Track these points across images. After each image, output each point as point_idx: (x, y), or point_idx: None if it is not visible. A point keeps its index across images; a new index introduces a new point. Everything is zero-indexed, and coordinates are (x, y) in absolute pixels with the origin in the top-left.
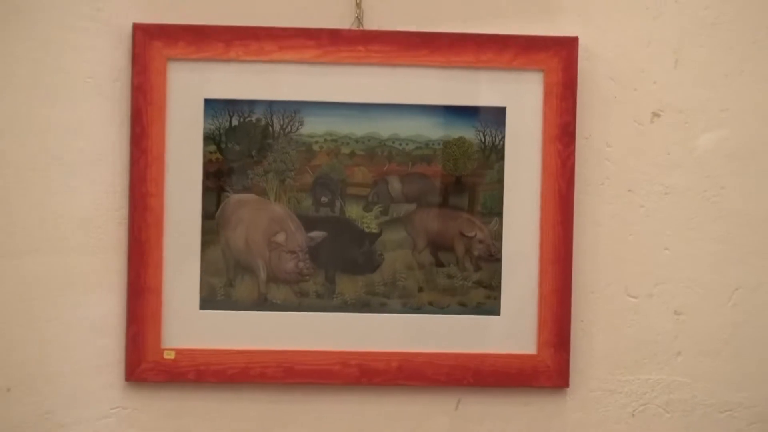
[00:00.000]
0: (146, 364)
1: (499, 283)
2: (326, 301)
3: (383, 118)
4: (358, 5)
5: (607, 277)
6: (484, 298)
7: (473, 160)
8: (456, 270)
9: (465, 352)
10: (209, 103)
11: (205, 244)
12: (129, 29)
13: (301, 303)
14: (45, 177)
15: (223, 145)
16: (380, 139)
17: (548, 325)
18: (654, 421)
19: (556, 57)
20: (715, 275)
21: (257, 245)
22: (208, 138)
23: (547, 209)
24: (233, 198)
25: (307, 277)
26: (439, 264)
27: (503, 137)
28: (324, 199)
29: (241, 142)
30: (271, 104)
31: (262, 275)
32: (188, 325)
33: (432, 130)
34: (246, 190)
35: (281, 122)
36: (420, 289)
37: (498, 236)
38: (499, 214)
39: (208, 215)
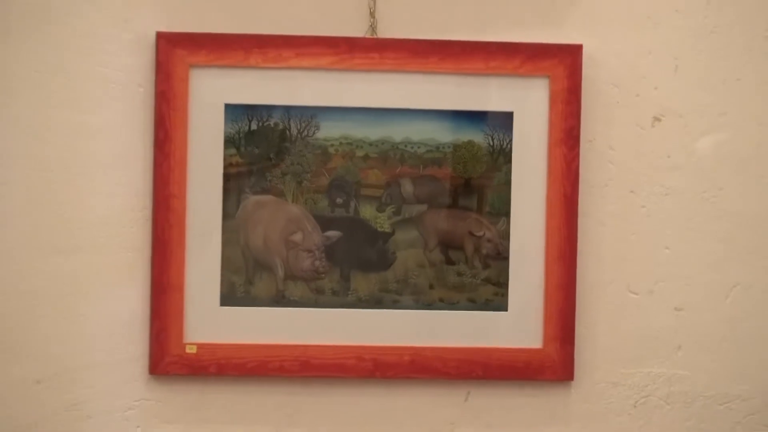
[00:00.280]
0: (169, 358)
1: (507, 280)
2: (341, 298)
3: (396, 123)
4: (372, 14)
5: (609, 275)
6: (492, 295)
7: (482, 163)
8: (465, 268)
9: (474, 347)
10: (229, 108)
11: (225, 244)
12: (153, 38)
13: (317, 299)
14: (73, 179)
15: (242, 149)
16: (393, 142)
17: (553, 320)
18: (655, 412)
19: (562, 64)
20: (713, 273)
21: (275, 244)
22: (229, 141)
23: (553, 210)
24: (252, 199)
25: (323, 275)
26: (449, 262)
27: (511, 141)
28: (339, 200)
29: (259, 146)
30: (288, 109)
31: (280, 273)
32: (209, 321)
33: (442, 134)
34: (264, 191)
35: (298, 126)
36: (431, 286)
37: (505, 235)
38: (507, 214)
39: (228, 216)
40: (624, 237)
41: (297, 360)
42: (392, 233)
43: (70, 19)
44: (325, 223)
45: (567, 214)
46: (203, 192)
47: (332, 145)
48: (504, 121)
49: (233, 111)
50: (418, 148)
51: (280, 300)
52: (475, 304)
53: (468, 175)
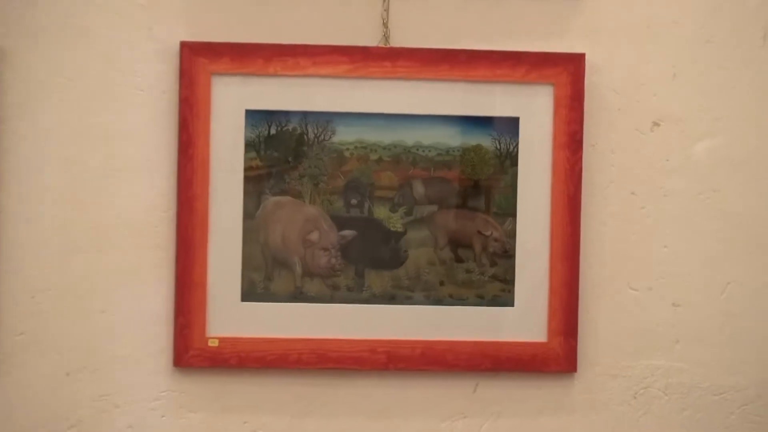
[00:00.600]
0: (193, 352)
1: (513, 277)
2: (356, 294)
3: (408, 128)
4: (385, 25)
5: (611, 272)
6: (500, 291)
7: (489, 166)
8: (474, 265)
9: (482, 340)
10: (250, 114)
11: (246, 242)
12: (177, 47)
13: (333, 295)
14: (101, 181)
15: (262, 152)
16: (405, 146)
17: (558, 315)
18: (654, 402)
19: (565, 72)
20: (709, 270)
21: (293, 243)
22: (249, 145)
23: (557, 210)
24: (271, 200)
25: (339, 272)
26: (459, 260)
27: (517, 145)
28: (354, 201)
29: (278, 149)
30: (306, 115)
31: (298, 270)
32: (231, 316)
33: (452, 139)
34: (283, 192)
35: (315, 131)
36: (441, 283)
37: (512, 235)
38: (513, 214)
39: (248, 216)
40: (625, 236)
41: (314, 353)
42: (404, 232)
43: (99, 31)
44: (340, 223)
45: (570, 215)
46: (225, 193)
47: (347, 149)
48: (510, 126)
49: (253, 116)
50: (429, 151)
51: (297, 296)
52: (483, 300)
53: (476, 178)
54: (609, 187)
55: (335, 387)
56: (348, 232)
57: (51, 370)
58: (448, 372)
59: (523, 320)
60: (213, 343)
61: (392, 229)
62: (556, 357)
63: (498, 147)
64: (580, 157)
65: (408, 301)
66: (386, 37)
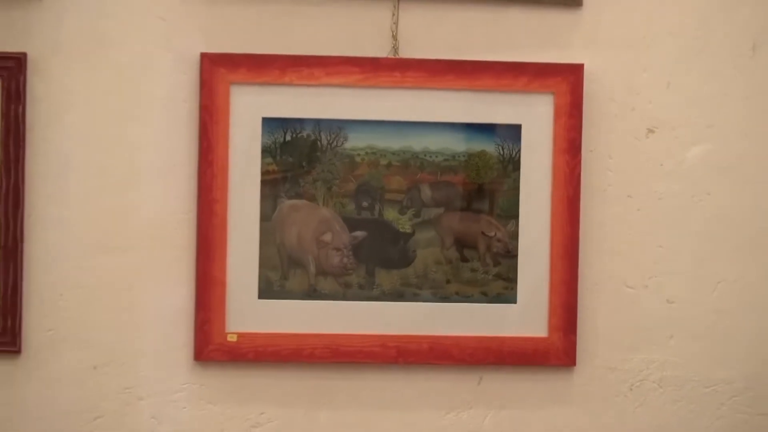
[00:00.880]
0: (212, 346)
1: (516, 275)
2: (367, 292)
3: (416, 134)
4: (395, 37)
5: (608, 271)
6: (503, 289)
7: (493, 170)
8: (478, 265)
9: (486, 336)
10: (266, 121)
11: (262, 243)
12: (197, 58)
13: (346, 293)
14: (126, 185)
15: (278, 158)
16: (413, 152)
17: (558, 312)
18: (649, 394)
19: (565, 81)
20: (701, 269)
21: (308, 243)
22: (265, 151)
23: (557, 212)
24: (287, 203)
25: (351, 271)
26: (464, 259)
27: (519, 150)
28: (365, 204)
29: (293, 155)
30: (319, 122)
31: (312, 269)
32: (248, 312)
33: (458, 145)
34: (298, 196)
35: (328, 137)
36: (447, 281)
37: (514, 235)
38: (515, 216)
39: (265, 218)
40: (621, 237)
41: (327, 347)
42: (412, 233)
43: (123, 43)
44: (352, 225)
45: (570, 216)
46: (243, 196)
47: (359, 155)
48: (513, 132)
49: (270, 124)
50: (436, 157)
51: (312, 294)
52: (487, 297)
53: (480, 181)
54: (606, 191)
55: (347, 380)
56: (359, 233)
57: (78, 364)
58: (454, 365)
59: (525, 316)
60: (232, 338)
61: (401, 230)
62: (556, 351)
63: (501, 152)
64: (579, 162)
65: (416, 298)
66: (395, 48)
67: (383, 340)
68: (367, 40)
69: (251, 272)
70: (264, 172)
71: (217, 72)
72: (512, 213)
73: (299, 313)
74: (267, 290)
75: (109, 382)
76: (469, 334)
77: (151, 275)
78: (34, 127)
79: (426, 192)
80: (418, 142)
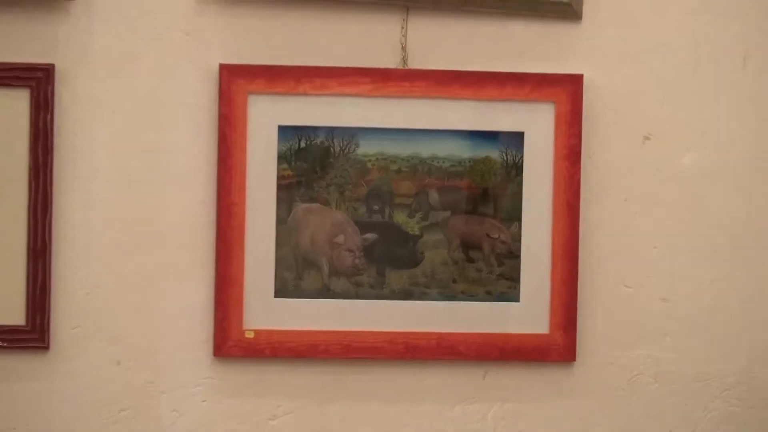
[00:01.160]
0: (231, 342)
1: (518, 275)
2: (378, 291)
3: (424, 141)
4: (404, 49)
5: (606, 271)
6: (506, 288)
7: (497, 176)
8: (483, 265)
9: (490, 332)
10: (282, 129)
11: (278, 245)
12: (216, 69)
13: (357, 292)
14: (149, 189)
15: (293, 163)
16: (421, 158)
17: (558, 310)
18: (645, 388)
19: (565, 91)
20: (694, 269)
21: (321, 245)
22: (281, 157)
23: (558, 215)
24: (301, 206)
25: (362, 271)
26: (470, 260)
27: (522, 157)
28: (375, 208)
29: (307, 161)
30: (332, 130)
31: (325, 269)
32: (265, 311)
33: (463, 151)
34: (312, 200)
35: (341, 144)
36: (454, 281)
37: (517, 237)
38: (518, 219)
39: (281, 221)
40: (619, 239)
41: (340, 344)
42: (421, 236)
43: (147, 55)
44: (363, 227)
45: (570, 219)
46: (260, 200)
47: (369, 161)
48: (516, 139)
49: (285, 131)
50: (443, 162)
51: (325, 293)
52: (491, 296)
53: (485, 186)
54: (605, 195)
55: (359, 374)
56: (370, 235)
57: (103, 359)
58: (460, 361)
59: (528, 314)
60: (249, 335)
61: (410, 232)
62: (557, 347)
63: (505, 159)
64: (579, 168)
65: (424, 297)
66: (404, 59)
67: (393, 337)
68: (377, 51)
69: (268, 272)
70: (280, 177)
71: (236, 82)
72: (515, 216)
73: (313, 311)
74: (282, 289)
75: (133, 376)
76: (474, 331)
77: (172, 275)
78: (62, 135)
79: (433, 196)
80: (425, 149)
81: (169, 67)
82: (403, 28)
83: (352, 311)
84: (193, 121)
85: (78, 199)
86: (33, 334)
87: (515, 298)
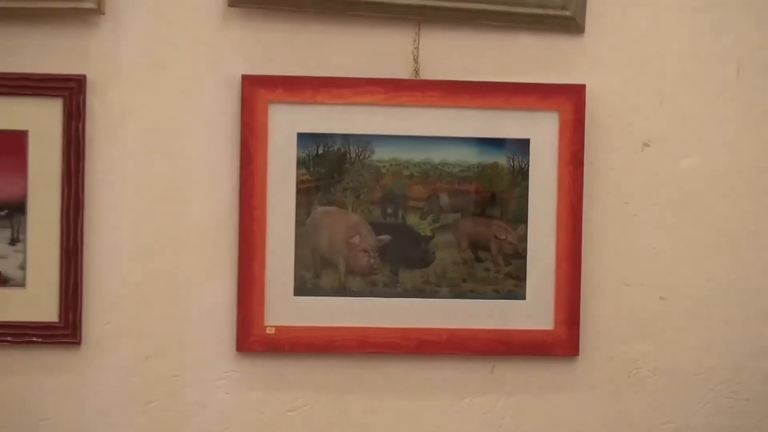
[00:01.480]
0: (252, 338)
1: (524, 274)
2: (391, 289)
3: (435, 148)
4: (416, 60)
5: (608, 270)
6: (513, 287)
7: (504, 180)
8: (491, 265)
9: (498, 329)
10: (301, 136)
11: (297, 245)
12: (239, 79)
13: (372, 290)
14: (175, 193)
15: (311, 169)
16: (433, 163)
17: (562, 307)
18: (644, 381)
19: (569, 101)
20: (692, 268)
21: (338, 246)
22: (300, 163)
23: (562, 217)
24: (319, 209)
25: (377, 271)
26: (478, 260)
27: (528, 162)
28: (389, 210)
29: (325, 166)
30: (348, 137)
31: (342, 269)
32: (285, 308)
33: (473, 157)
34: (329, 203)
35: (356, 150)
36: (464, 280)
37: (523, 238)
38: (525, 221)
39: (300, 223)
40: (620, 239)
41: (355, 339)
42: (432, 237)
43: (173, 65)
44: (378, 229)
45: (573, 222)
46: (280, 204)
47: (384, 166)
48: (522, 146)
49: (304, 138)
50: (453, 168)
51: (342, 291)
52: (499, 294)
53: (493, 190)
54: (606, 198)
55: (373, 368)
56: (384, 237)
57: (132, 354)
58: (470, 356)
59: (533, 311)
60: (270, 331)
61: (422, 234)
62: (561, 343)
63: (511, 164)
64: (582, 173)
65: (435, 295)
66: (416, 71)
67: (406, 333)
68: (391, 63)
69: (287, 272)
70: (299, 182)
71: (257, 92)
72: (521, 218)
73: (330, 309)
74: (301, 288)
75: (160, 370)
76: (482, 327)
77: (197, 275)
78: (93, 142)
79: (444, 200)
80: (437, 155)
81: (194, 77)
82: (415, 40)
83: (367, 308)
84: (216, 129)
85: (108, 203)
86: (66, 330)
87: (521, 296)
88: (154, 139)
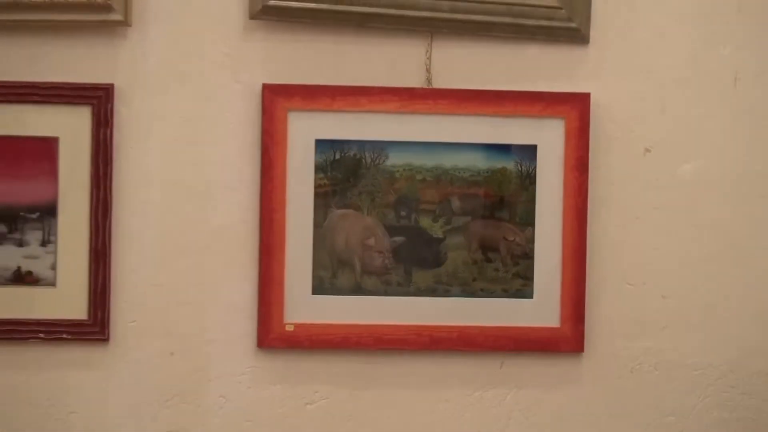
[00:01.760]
0: (273, 335)
1: (532, 274)
2: (405, 288)
3: (447, 154)
4: (428, 70)
5: (612, 270)
6: (521, 286)
7: (513, 184)
8: (500, 265)
9: (507, 326)
10: (319, 143)
11: (315, 247)
12: (259, 88)
13: (387, 289)
14: (199, 198)
15: (328, 173)
16: (444, 168)
17: (568, 305)
18: (646, 376)
19: (574, 108)
20: (691, 268)
21: (354, 247)
22: (318, 168)
23: (568, 220)
24: (336, 212)
25: (391, 271)
26: (488, 260)
27: (535, 167)
28: (403, 213)
29: (342, 171)
30: (363, 143)
31: (358, 269)
32: (303, 306)
33: (482, 162)
34: (346, 206)
35: (371, 156)
36: (474, 279)
37: (531, 240)
38: (532, 223)
39: (317, 225)
40: (623, 241)
41: (371, 336)
42: (444, 238)
43: (196, 75)
44: (392, 231)
45: (578, 224)
46: (299, 207)
47: (397, 171)
48: (529, 152)
49: (321, 145)
50: (464, 173)
51: (357, 290)
52: (507, 293)
53: (502, 194)
54: (610, 201)
55: (387, 363)
56: (398, 238)
57: (157, 350)
58: (479, 351)
59: (540, 309)
60: (289, 329)
61: (434, 235)
62: (567, 339)
63: (519, 169)
64: (587, 177)
65: (447, 293)
66: (429, 80)
67: (418, 330)
68: (404, 72)
69: (306, 272)
70: (316, 186)
71: (276, 100)
72: (529, 221)
73: (347, 307)
74: (319, 287)
75: (184, 365)
76: (491, 324)
77: (220, 275)
78: (120, 148)
79: (455, 203)
80: (448, 160)
81: (217, 86)
82: (427, 51)
83: (381, 307)
84: (238, 136)
85: (135, 206)
86: (94, 327)
87: (529, 295)
88: (179, 145)
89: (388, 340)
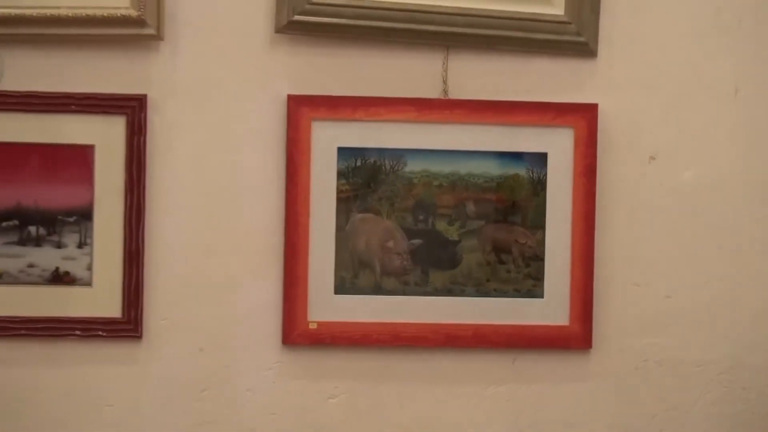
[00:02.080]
0: (297, 332)
1: (542, 275)
2: (422, 288)
3: (462, 161)
4: (445, 81)
5: (618, 271)
6: (532, 286)
7: (524, 190)
8: (512, 266)
9: (519, 324)
10: (341, 150)
11: (338, 249)
12: (285, 98)
13: (405, 290)
14: (227, 202)
15: (350, 179)
16: (460, 175)
17: (577, 304)
18: (651, 372)
19: (583, 118)
20: (694, 269)
21: (374, 249)
22: (340, 174)
23: (577, 224)
24: (357, 216)
25: (409, 272)
26: (501, 262)
27: (545, 174)
28: (421, 217)
29: (362, 177)
30: (383, 151)
31: (378, 270)
32: (326, 305)
33: (496, 169)
34: (366, 210)
35: (391, 163)
36: (488, 280)
37: (542, 243)
38: (543, 227)
39: (340, 228)
40: (629, 243)
41: (390, 334)
42: (459, 241)
43: (225, 85)
44: (410, 234)
45: (587, 227)
46: (322, 211)
47: (415, 177)
48: (540, 159)
49: (343, 152)
50: (478, 179)
51: (377, 290)
52: (519, 293)
53: (514, 199)
54: (616, 206)
55: (405, 360)
56: (416, 241)
57: (188, 346)
58: (493, 349)
59: (550, 308)
60: (312, 326)
61: (450, 238)
62: (576, 337)
63: (531, 175)
64: (594, 183)
65: (462, 293)
66: (445, 91)
67: (435, 328)
68: (422, 84)
69: (328, 272)
70: (339, 191)
71: (301, 110)
72: (540, 224)
73: (367, 306)
74: (341, 287)
75: (213, 361)
76: (504, 323)
77: (247, 275)
78: (153, 155)
79: (470, 207)
80: (463, 167)
81: (244, 97)
82: (444, 64)
83: (400, 306)
84: (264, 143)
85: (167, 209)
86: (128, 325)
87: (540, 295)
88: (209, 152)
89: (406, 337)
